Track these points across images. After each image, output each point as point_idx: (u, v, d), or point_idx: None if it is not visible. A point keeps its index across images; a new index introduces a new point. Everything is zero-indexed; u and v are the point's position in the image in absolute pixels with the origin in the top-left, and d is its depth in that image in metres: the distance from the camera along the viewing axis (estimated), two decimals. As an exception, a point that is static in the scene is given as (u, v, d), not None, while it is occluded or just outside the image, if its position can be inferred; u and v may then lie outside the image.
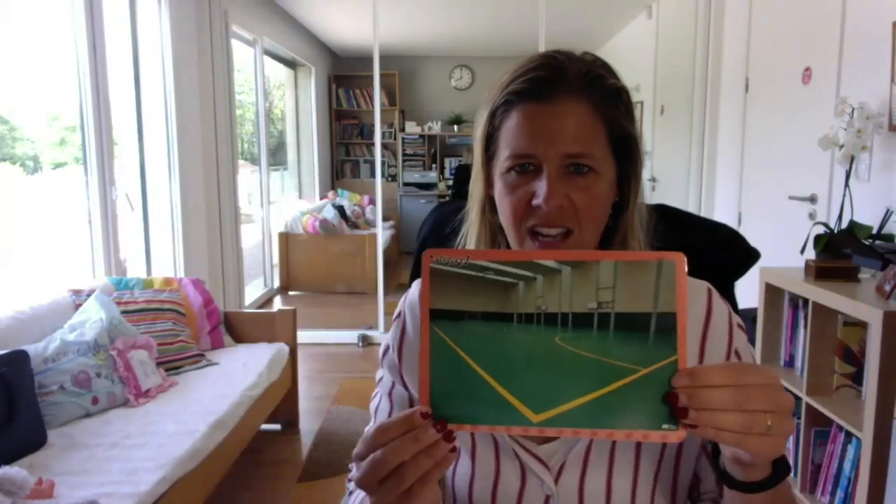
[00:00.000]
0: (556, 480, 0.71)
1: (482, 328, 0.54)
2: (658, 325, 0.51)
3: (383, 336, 0.93)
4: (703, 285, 0.76)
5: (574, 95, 0.69)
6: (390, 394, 0.83)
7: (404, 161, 7.80)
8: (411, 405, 0.81)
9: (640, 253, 0.56)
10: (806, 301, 1.98)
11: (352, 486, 0.83)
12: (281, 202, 6.80)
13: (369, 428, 0.67)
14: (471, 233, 0.80)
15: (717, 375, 0.50)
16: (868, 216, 2.20)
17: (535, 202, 0.68)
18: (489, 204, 0.77)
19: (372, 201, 6.92)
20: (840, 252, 2.00)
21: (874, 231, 2.12)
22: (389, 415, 0.82)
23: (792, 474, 2.09)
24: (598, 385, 0.52)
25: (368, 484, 0.53)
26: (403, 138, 7.77)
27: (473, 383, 0.53)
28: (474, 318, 0.54)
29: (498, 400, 0.53)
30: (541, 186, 0.68)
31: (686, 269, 0.51)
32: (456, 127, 7.78)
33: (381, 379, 0.85)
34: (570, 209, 0.68)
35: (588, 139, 0.69)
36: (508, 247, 0.75)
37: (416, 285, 0.84)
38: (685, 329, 0.51)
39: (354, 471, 0.73)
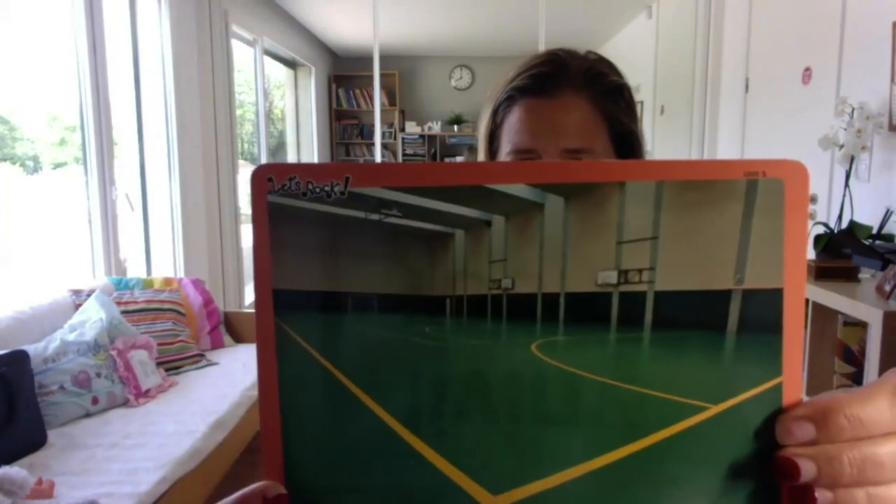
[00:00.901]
0: None
1: (380, 329, 0.28)
2: (745, 315, 0.28)
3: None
4: None
5: (575, 91, 0.70)
6: None
7: (404, 161, 7.79)
8: None
9: (708, 163, 0.28)
10: (806, 301, 1.98)
11: None
12: (281, 202, 6.79)
13: None
14: None
15: (878, 408, 0.27)
16: (868, 216, 2.20)
17: None
18: None
19: (372, 201, 6.91)
20: (840, 252, 2.00)
21: (874, 231, 2.12)
22: None
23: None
24: (618, 438, 0.28)
25: None
26: (403, 138, 7.77)
27: (369, 438, 0.29)
28: (365, 308, 0.28)
29: (421, 470, 0.28)
30: None
31: (809, 195, 0.28)
32: (456, 127, 7.78)
33: None
34: None
35: (589, 134, 0.69)
36: None
37: None
38: (802, 323, 0.28)
39: None
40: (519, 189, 0.27)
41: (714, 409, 0.27)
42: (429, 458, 0.28)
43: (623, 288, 0.28)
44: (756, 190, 0.27)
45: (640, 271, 0.28)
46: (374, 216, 0.28)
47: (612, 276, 0.28)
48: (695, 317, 0.28)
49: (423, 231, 0.28)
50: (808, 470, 0.26)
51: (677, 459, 0.28)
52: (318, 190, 0.28)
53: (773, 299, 0.27)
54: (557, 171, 0.27)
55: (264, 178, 0.29)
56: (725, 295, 0.27)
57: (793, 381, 0.28)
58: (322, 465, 0.29)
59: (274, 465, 0.30)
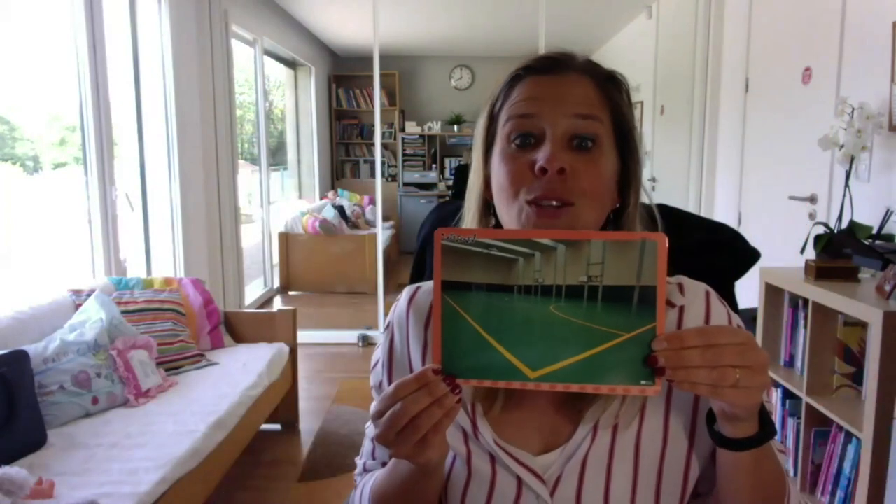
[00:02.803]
0: (553, 493, 0.69)
1: (487, 298, 0.59)
2: (640, 296, 0.57)
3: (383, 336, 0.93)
4: (701, 287, 0.76)
5: (579, 73, 0.71)
6: None
7: (404, 161, 7.80)
8: None
9: (626, 234, 0.60)
10: (806, 301, 1.98)
11: (358, 479, 0.83)
12: (281, 202, 6.80)
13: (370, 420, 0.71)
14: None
15: (691, 338, 0.56)
16: (868, 216, 2.20)
17: (537, 165, 0.66)
18: (486, 207, 0.76)
19: (372, 201, 6.92)
20: (840, 252, 2.00)
21: (874, 231, 2.12)
22: None
23: (792, 473, 2.07)
24: (587, 347, 0.58)
25: (387, 436, 0.59)
26: (403, 138, 7.77)
27: (479, 345, 0.60)
28: (480, 289, 0.59)
29: (500, 359, 0.59)
30: (544, 150, 0.67)
31: (667, 248, 0.57)
32: (456, 127, 7.78)
33: (373, 387, 0.84)
34: (573, 181, 0.67)
35: (595, 106, 0.69)
36: None
37: (405, 293, 0.82)
38: (664, 300, 0.57)
39: (371, 429, 0.82)
40: (546, 241, 0.59)
41: (626, 336, 0.57)
42: (504, 353, 0.59)
43: (589, 283, 0.58)
44: (645, 245, 0.57)
45: (597, 276, 0.58)
46: (485, 250, 0.59)
47: (585, 278, 0.58)
48: (621, 295, 0.57)
49: (505, 257, 0.59)
50: (661, 360, 0.56)
51: (614, 357, 0.58)
52: (463, 239, 0.59)
53: (652, 290, 0.57)
54: (564, 234, 0.59)
55: (441, 234, 0.59)
56: (633, 287, 0.57)
57: (661, 324, 0.57)
58: (456, 356, 0.60)
59: (437, 358, 0.60)
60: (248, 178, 5.70)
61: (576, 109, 0.68)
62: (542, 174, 0.66)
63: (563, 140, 0.68)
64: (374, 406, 0.61)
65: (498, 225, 0.75)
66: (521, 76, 0.72)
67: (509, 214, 0.70)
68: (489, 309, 0.59)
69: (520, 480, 0.71)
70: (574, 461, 0.70)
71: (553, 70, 0.70)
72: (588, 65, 0.72)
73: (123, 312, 2.53)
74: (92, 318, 2.35)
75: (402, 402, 0.58)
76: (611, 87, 0.72)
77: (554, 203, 0.67)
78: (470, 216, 0.78)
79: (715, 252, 1.04)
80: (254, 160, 5.81)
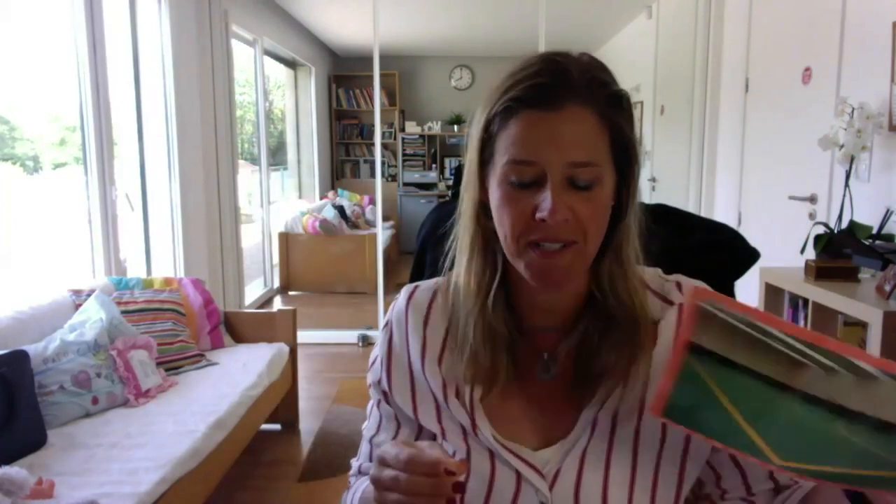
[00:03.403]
0: (552, 487, 0.70)
1: (746, 381, 0.52)
2: None
3: (381, 334, 0.93)
4: (699, 286, 0.76)
5: (579, 102, 0.67)
6: (378, 404, 0.82)
7: (404, 161, 7.80)
8: (396, 420, 0.80)
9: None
10: (806, 301, 1.98)
11: (353, 480, 0.84)
12: (281, 202, 6.80)
13: (373, 437, 0.79)
14: (463, 236, 0.76)
15: None
16: (868, 216, 2.20)
17: (539, 216, 0.65)
18: (482, 209, 0.75)
19: (372, 201, 6.92)
20: (840, 252, 2.00)
21: (874, 231, 2.12)
22: (379, 425, 0.82)
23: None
24: (856, 467, 0.50)
25: (383, 498, 0.60)
26: (403, 138, 7.77)
27: (716, 412, 0.53)
28: (740, 369, 0.52)
29: (738, 433, 0.53)
30: (545, 199, 0.65)
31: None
32: (456, 127, 7.78)
33: (370, 385, 0.84)
34: (575, 221, 0.66)
35: (593, 146, 0.67)
36: (503, 255, 0.72)
37: (404, 292, 0.81)
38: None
39: (367, 430, 0.84)
40: (865, 365, 0.49)
41: None
42: (751, 435, 0.53)
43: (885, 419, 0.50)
44: None
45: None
46: (761, 336, 0.51)
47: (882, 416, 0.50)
48: None
49: (788, 355, 0.51)
50: None
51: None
52: (729, 311, 0.52)
53: None
54: (884, 363, 0.49)
55: (698, 295, 0.53)
56: None
57: None
58: (684, 410, 0.56)
59: (660, 405, 0.57)
60: (248, 178, 5.70)
61: (574, 157, 0.65)
62: (543, 222, 0.65)
63: (562, 182, 0.66)
64: (379, 455, 0.62)
65: (494, 235, 0.72)
66: (513, 108, 0.68)
67: (509, 252, 0.70)
68: (745, 390, 0.52)
69: (519, 475, 0.71)
70: (573, 455, 0.70)
71: (549, 102, 0.66)
72: (587, 89, 0.67)
73: (123, 312, 2.53)
74: (92, 318, 2.35)
75: (406, 479, 0.58)
76: (611, 110, 0.69)
77: (556, 247, 0.66)
78: (464, 219, 0.77)
79: (715, 252, 1.05)
80: (254, 160, 5.81)
